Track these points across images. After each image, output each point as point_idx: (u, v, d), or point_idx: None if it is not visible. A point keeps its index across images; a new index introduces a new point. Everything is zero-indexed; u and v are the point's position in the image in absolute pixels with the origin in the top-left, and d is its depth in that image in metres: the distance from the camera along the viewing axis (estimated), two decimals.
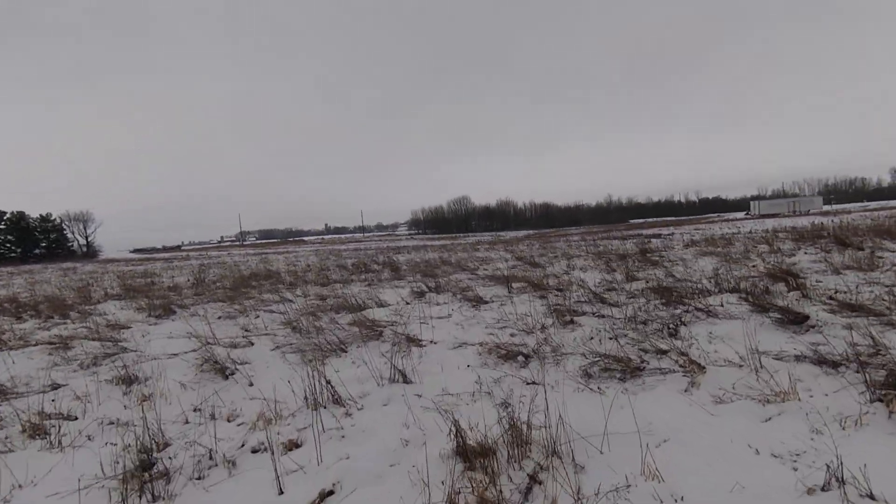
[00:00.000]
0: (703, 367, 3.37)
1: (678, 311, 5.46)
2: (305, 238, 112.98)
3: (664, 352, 3.94)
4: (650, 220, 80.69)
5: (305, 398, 3.37)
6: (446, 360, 4.30)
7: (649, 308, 5.86)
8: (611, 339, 4.54)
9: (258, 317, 7.62)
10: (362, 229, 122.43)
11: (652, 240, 19.86)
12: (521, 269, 12.07)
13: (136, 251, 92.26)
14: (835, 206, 53.11)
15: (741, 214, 61.27)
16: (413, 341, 5.11)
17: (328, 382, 3.41)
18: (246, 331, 6.63)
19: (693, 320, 4.97)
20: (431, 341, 5.14)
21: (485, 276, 10.58)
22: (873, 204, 55.16)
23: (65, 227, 68.76)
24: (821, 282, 6.82)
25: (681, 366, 3.59)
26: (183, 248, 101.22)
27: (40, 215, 65.65)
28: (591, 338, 4.67)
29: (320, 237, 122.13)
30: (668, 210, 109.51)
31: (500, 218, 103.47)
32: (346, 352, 4.91)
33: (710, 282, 7.46)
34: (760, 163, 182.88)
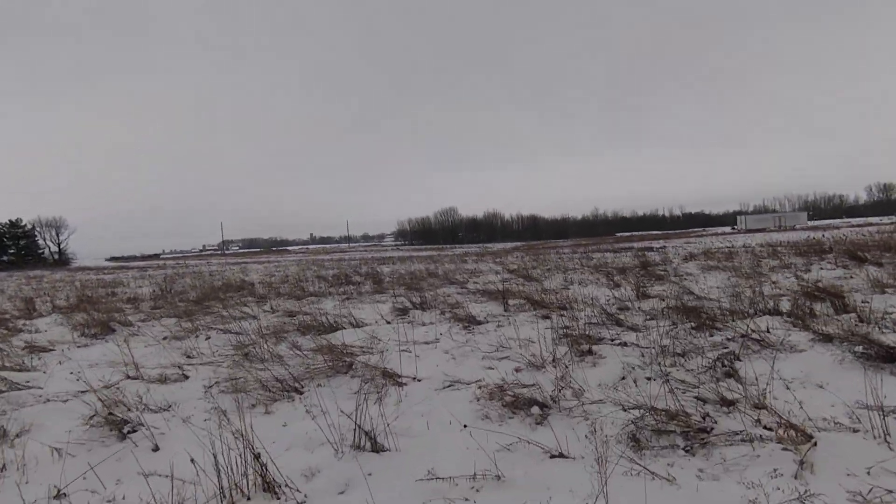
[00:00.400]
0: (810, 436, 2.31)
1: (721, 339, 4.44)
2: (289, 248, 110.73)
3: (731, 402, 2.89)
4: (636, 233, 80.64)
5: (221, 486, 2.22)
6: (433, 412, 3.18)
7: (679, 334, 4.83)
8: (650, 379, 3.48)
9: (209, 338, 6.40)
10: (348, 239, 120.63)
11: (646, 253, 19.06)
12: (515, 282, 11.01)
13: (112, 259, 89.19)
14: (818, 222, 53.45)
15: (727, 229, 61.35)
16: (391, 377, 3.98)
17: (257, 457, 2.27)
18: (188, 357, 5.42)
19: (746, 353, 3.95)
20: (414, 378, 4.01)
21: (476, 291, 9.48)
22: (857, 220, 55.78)
23: (36, 233, 65.86)
24: (867, 302, 5.89)
25: (766, 428, 2.53)
26: (162, 256, 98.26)
27: (10, 221, 62.79)
28: (623, 377, 3.59)
29: (305, 247, 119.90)
30: (653, 224, 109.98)
31: (486, 230, 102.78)
32: (301, 393, 3.76)
33: (734, 300, 6.49)
34: (742, 179, 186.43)
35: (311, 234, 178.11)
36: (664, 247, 22.32)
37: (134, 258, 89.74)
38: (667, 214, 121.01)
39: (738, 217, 49.72)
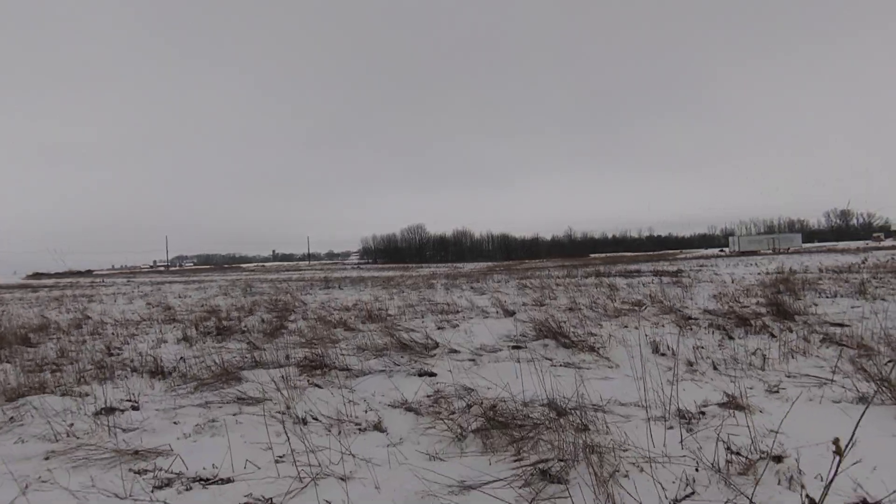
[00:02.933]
0: None
1: None
2: (243, 265, 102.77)
3: None
4: (611, 254, 78.14)
5: None
6: None
7: None
8: None
9: None
10: (308, 257, 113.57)
11: (664, 277, 14.73)
12: (541, 342, 6.11)
13: (35, 275, 79.39)
14: (809, 245, 51.63)
15: (714, 250, 59.11)
16: None
17: None
18: None
19: None
20: None
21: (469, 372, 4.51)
22: (841, 244, 54.60)
23: None
24: None
25: None
26: (96, 272, 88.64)
27: None
28: None
29: (261, 264, 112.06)
30: (626, 245, 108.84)
31: (456, 248, 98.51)
32: None
33: None
34: (708, 203, 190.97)
35: (274, 251, 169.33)
36: (679, 270, 18.02)
37: (60, 274, 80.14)
38: (641, 236, 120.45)
39: (731, 238, 47.45)
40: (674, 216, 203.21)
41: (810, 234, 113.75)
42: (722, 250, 55.58)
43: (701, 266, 21.03)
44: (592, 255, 76.36)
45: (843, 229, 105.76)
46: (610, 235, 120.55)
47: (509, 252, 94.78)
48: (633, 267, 22.38)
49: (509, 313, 7.77)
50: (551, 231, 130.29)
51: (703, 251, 59.40)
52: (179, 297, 16.74)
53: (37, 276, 77.13)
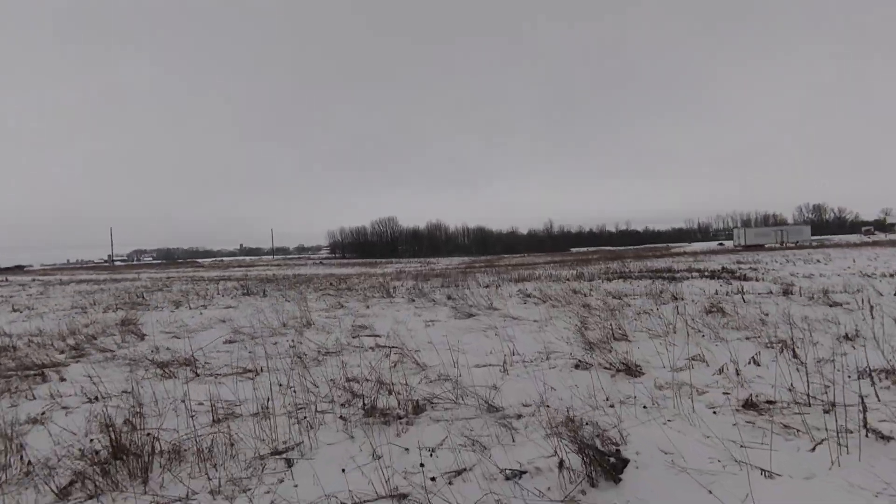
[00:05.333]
0: None
1: None
2: (200, 260, 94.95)
3: None
4: (591, 248, 74.83)
5: None
6: None
7: None
8: None
9: None
10: (273, 251, 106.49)
11: (738, 283, 10.21)
12: None
13: None
14: (816, 238, 48.22)
15: (713, 244, 55.59)
16: None
17: None
18: None
19: None
20: None
21: None
22: (847, 238, 51.82)
23: None
24: None
25: None
26: (27, 269, 79.64)
27: None
28: None
29: (220, 259, 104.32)
30: (605, 240, 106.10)
31: (430, 242, 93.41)
32: None
33: None
34: (681, 197, 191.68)
35: (241, 245, 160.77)
36: (727, 269, 13.54)
37: None
38: (613, 230, 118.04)
39: (735, 231, 43.94)
40: (646, 212, 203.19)
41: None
42: (721, 244, 52.38)
43: (737, 263, 16.65)
44: (573, 250, 72.70)
45: (819, 223, 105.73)
46: (587, 230, 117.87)
47: (486, 246, 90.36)
48: (658, 264, 17.83)
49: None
50: (524, 227, 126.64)
51: (695, 245, 56.00)
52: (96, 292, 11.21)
53: None
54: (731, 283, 9.78)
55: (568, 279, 13.07)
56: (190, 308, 10.19)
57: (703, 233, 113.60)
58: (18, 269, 78.00)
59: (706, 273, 12.52)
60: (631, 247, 69.86)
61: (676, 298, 7.50)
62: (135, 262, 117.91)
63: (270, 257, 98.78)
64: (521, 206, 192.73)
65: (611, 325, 5.40)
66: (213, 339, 5.91)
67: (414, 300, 9.62)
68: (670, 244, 74.16)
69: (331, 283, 16.25)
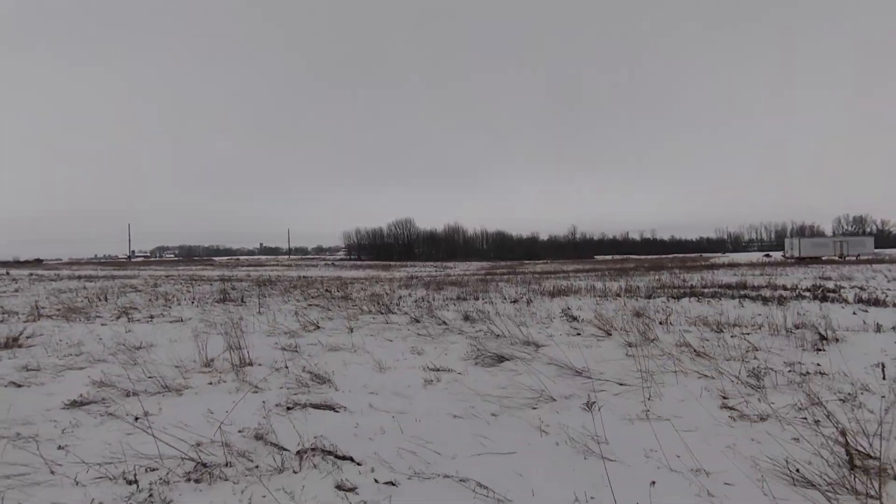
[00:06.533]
0: None
1: None
2: (215, 258, 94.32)
3: None
4: (618, 256, 71.13)
5: None
6: None
7: None
8: None
9: None
10: (289, 251, 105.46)
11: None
12: None
13: None
14: (882, 251, 42.56)
15: (758, 255, 51.19)
16: None
17: None
18: None
19: None
20: None
21: None
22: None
23: None
24: None
25: None
26: (45, 262, 79.98)
27: None
28: None
29: (235, 258, 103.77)
30: (629, 248, 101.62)
31: (447, 245, 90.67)
32: None
33: None
34: (707, 206, 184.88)
35: (261, 244, 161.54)
36: (820, 287, 10.63)
37: (6, 263, 71.73)
38: (637, 238, 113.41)
39: (788, 241, 39.69)
40: (670, 220, 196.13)
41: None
42: (767, 255, 47.95)
43: (821, 278, 13.56)
44: (597, 257, 69.32)
45: (861, 236, 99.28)
46: (610, 236, 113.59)
47: (505, 252, 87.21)
48: (717, 277, 14.84)
49: None
50: (544, 232, 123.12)
51: (734, 256, 51.76)
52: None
53: None
54: (867, 311, 6.92)
55: (618, 294, 10.30)
56: (129, 320, 7.82)
57: (734, 243, 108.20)
58: (37, 261, 78.30)
59: (805, 292, 9.61)
60: (658, 256, 65.95)
61: (825, 339, 4.73)
62: (153, 259, 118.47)
63: (286, 257, 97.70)
64: (542, 211, 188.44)
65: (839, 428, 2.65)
66: (65, 395, 3.45)
67: (418, 321, 7.03)
68: (703, 254, 69.79)
69: (328, 290, 13.80)
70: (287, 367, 4.08)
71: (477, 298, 10.51)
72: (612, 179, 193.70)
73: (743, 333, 5.27)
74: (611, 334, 5.48)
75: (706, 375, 3.56)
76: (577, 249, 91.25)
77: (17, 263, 75.29)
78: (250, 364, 4.34)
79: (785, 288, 10.79)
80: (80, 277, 24.97)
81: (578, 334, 5.67)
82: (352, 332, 6.23)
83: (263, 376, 3.87)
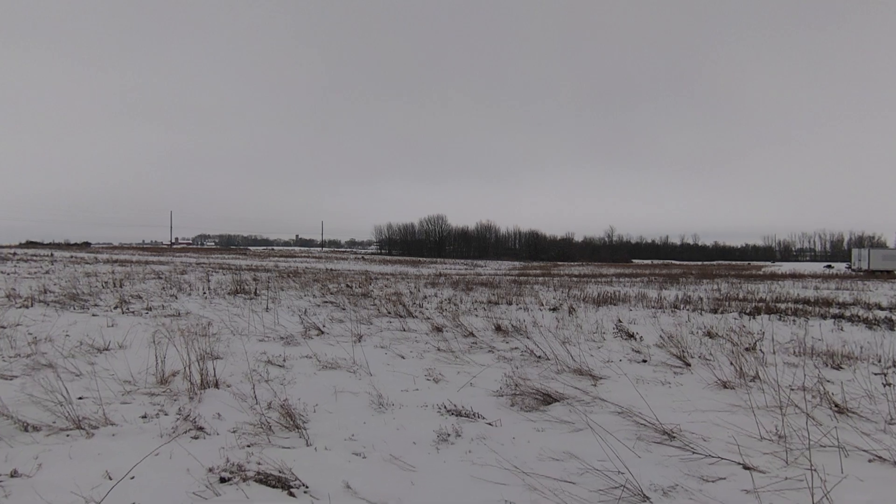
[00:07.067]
0: None
1: None
2: (251, 248, 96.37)
3: None
4: (658, 261, 67.88)
5: None
6: None
7: None
8: None
9: None
10: (323, 243, 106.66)
11: None
12: None
13: (27, 244, 74.77)
14: None
15: (820, 266, 47.21)
16: None
17: None
18: None
19: None
20: None
21: None
22: None
23: None
24: None
25: None
26: (93, 246, 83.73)
27: None
28: None
29: (271, 248, 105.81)
30: (671, 252, 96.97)
31: (478, 244, 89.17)
32: None
33: None
34: (752, 213, 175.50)
35: (297, 236, 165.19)
36: None
37: (56, 245, 75.34)
38: (677, 243, 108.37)
39: (856, 252, 35.64)
40: (714, 224, 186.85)
41: None
42: (829, 266, 43.98)
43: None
44: (635, 261, 66.42)
45: None
46: (648, 240, 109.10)
47: (538, 252, 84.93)
48: (784, 289, 13.00)
49: None
50: (579, 232, 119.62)
51: (788, 266, 47.77)
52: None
53: (30, 244, 72.44)
54: None
55: (676, 306, 8.83)
56: (123, 312, 7.05)
57: (783, 252, 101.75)
58: (86, 245, 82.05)
59: None
60: (702, 262, 62.34)
61: None
62: (193, 246, 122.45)
63: (320, 249, 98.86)
64: (576, 212, 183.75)
65: None
66: None
67: (441, 330, 5.89)
68: (751, 262, 65.44)
69: (348, 285, 12.88)
70: (256, 397, 3.01)
71: (510, 303, 9.29)
72: (651, 181, 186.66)
73: (881, 374, 3.86)
74: (689, 364, 4.18)
75: (880, 457, 2.25)
76: (613, 252, 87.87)
77: (67, 246, 79.02)
78: (215, 385, 3.31)
79: (880, 307, 9.03)
80: (114, 262, 25.19)
81: (644, 361, 4.39)
82: (359, 341, 5.16)
83: (220, 409, 2.83)
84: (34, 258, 25.85)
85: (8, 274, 13.57)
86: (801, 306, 9.00)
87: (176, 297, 8.98)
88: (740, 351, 4.84)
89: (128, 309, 7.30)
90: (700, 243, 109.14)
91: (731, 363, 4.17)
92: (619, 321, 7.05)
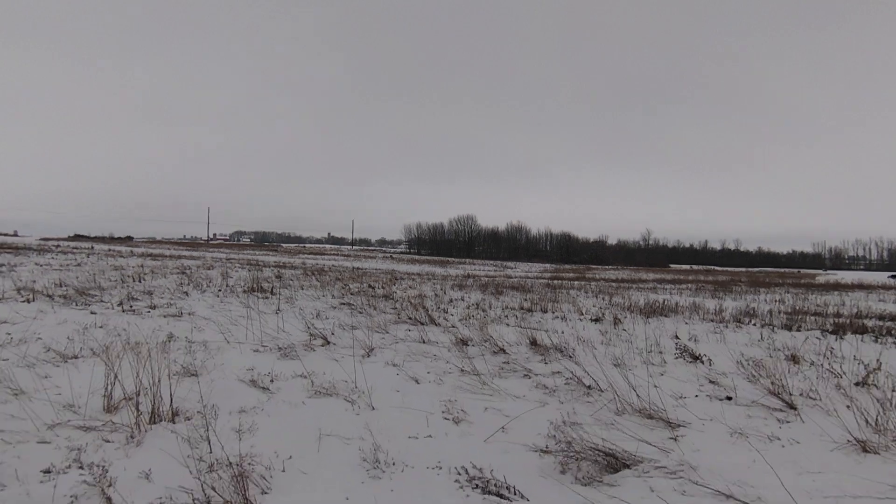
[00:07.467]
0: None
1: None
2: (284, 245, 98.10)
3: None
4: (698, 266, 64.65)
5: None
6: None
7: None
8: None
9: None
10: (353, 242, 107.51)
11: None
12: None
13: (75, 237, 78.24)
14: None
15: (866, 275, 43.86)
16: None
17: None
18: None
19: None
20: None
21: None
22: None
23: None
24: None
25: None
26: (135, 240, 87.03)
27: None
28: None
29: (303, 245, 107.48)
30: (711, 258, 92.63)
31: (508, 245, 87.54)
32: None
33: None
34: (797, 218, 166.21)
35: (329, 234, 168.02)
36: None
37: (100, 239, 78.45)
38: (717, 248, 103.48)
39: None
40: (756, 230, 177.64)
41: None
42: (894, 276, 40.38)
43: None
44: (672, 266, 63.55)
45: None
46: (686, 244, 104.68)
47: (570, 254, 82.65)
48: (854, 301, 11.43)
49: None
50: (612, 235, 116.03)
51: (845, 274, 44.14)
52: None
53: (77, 237, 75.77)
54: None
55: (739, 320, 7.63)
56: (123, 311, 6.51)
57: (834, 259, 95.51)
58: (128, 239, 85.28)
59: None
60: (748, 269, 58.94)
61: None
62: (228, 242, 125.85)
63: (350, 247, 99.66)
64: (610, 214, 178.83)
65: None
66: None
67: (466, 343, 5.02)
68: (800, 270, 61.25)
69: (371, 286, 12.17)
70: (211, 443, 2.22)
71: (545, 311, 8.31)
72: (688, 185, 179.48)
73: None
74: (795, 407, 3.15)
75: None
76: (648, 256, 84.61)
77: (110, 239, 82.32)
78: (172, 417, 2.56)
79: None
80: (148, 255, 25.50)
81: (729, 399, 3.38)
82: (368, 355, 4.35)
83: (154, 463, 2.05)
84: (74, 250, 26.49)
85: (41, 266, 13.54)
86: (889, 323, 7.63)
87: (187, 294, 8.45)
88: (850, 385, 3.77)
89: (130, 308, 6.76)
90: (742, 248, 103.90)
91: (849, 406, 3.13)
92: (677, 337, 6.00)
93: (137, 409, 2.57)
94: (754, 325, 7.31)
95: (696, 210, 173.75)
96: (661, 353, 5.03)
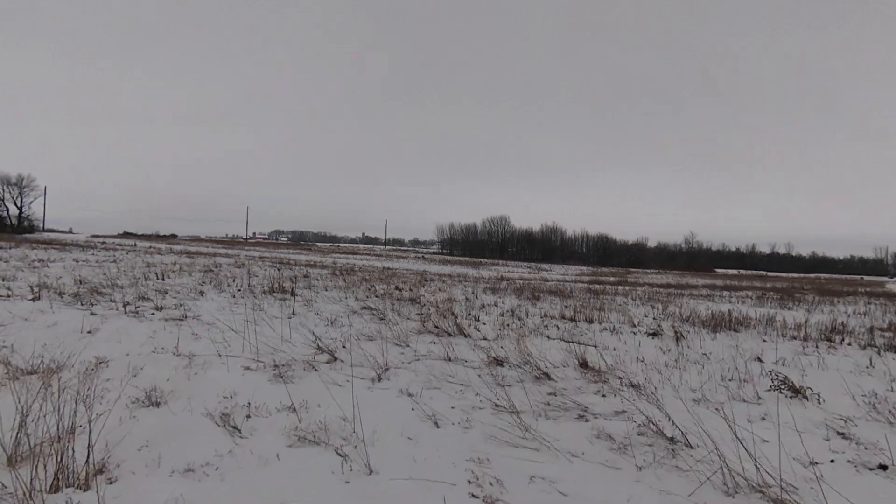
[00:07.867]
0: None
1: None
2: (319, 244, 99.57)
3: None
4: (746, 271, 60.88)
5: None
6: None
7: None
8: None
9: None
10: (386, 242, 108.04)
11: None
12: None
13: (124, 234, 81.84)
14: None
15: None
16: None
17: None
18: None
19: None
20: None
21: None
22: None
23: None
24: None
25: None
26: (179, 238, 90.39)
27: None
28: None
29: (337, 244, 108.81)
30: (758, 262, 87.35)
31: (543, 246, 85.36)
32: None
33: None
34: (855, 221, 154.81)
35: (363, 234, 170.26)
36: None
37: (146, 236, 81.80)
38: (766, 252, 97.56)
39: None
40: (806, 233, 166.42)
41: None
42: None
43: None
44: (718, 271, 60.14)
45: None
46: (732, 248, 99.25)
47: (607, 257, 79.79)
48: None
49: None
50: (652, 238, 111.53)
51: None
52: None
53: (126, 234, 79.23)
54: None
55: (829, 339, 6.37)
56: (126, 313, 5.98)
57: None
58: (172, 237, 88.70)
59: None
60: (801, 275, 54.90)
61: None
62: (265, 240, 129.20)
63: (383, 247, 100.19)
64: (649, 216, 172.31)
65: None
66: None
67: (501, 364, 4.13)
68: (864, 277, 56.54)
69: (398, 287, 11.43)
70: None
71: (591, 321, 7.29)
72: (733, 185, 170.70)
73: None
74: None
75: None
76: (692, 259, 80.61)
77: (156, 237, 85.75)
78: (85, 480, 1.81)
79: None
80: (184, 253, 25.85)
81: (883, 468, 2.36)
82: (380, 378, 3.53)
83: None
84: (117, 247, 27.21)
85: (77, 261, 13.54)
86: None
87: (202, 294, 7.92)
88: None
89: (134, 309, 6.22)
90: (795, 253, 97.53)
91: None
92: (760, 359, 4.89)
93: (45, 468, 1.84)
94: (849, 344, 6.05)
95: (743, 212, 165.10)
96: (745, 381, 3.98)
